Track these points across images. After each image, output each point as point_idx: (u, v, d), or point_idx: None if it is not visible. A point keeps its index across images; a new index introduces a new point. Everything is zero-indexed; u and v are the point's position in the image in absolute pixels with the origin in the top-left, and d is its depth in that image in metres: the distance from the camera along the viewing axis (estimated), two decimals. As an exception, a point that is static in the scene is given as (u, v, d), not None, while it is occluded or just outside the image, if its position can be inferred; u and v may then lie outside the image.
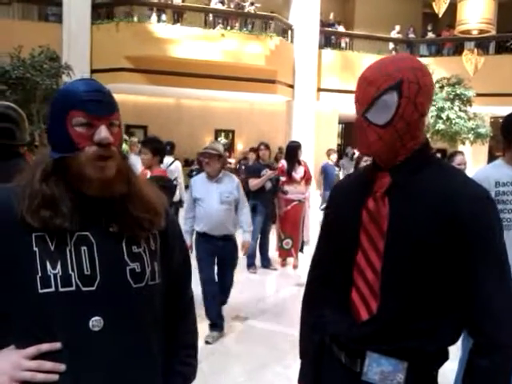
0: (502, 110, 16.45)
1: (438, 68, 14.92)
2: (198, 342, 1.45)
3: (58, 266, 1.11)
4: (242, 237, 4.78)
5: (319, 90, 16.66)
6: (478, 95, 14.09)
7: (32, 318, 1.10)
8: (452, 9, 14.01)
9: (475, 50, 14.82)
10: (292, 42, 16.26)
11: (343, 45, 17.60)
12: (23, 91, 9.03)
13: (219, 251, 4.52)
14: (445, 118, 13.28)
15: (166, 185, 3.97)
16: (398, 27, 18.34)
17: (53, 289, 1.10)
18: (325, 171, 10.15)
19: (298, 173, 6.85)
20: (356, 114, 1.33)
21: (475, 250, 1.22)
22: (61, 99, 1.18)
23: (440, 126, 13.34)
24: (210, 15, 15.12)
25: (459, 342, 3.39)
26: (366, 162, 9.90)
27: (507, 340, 1.22)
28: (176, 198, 6.34)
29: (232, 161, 16.26)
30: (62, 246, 1.13)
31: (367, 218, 1.34)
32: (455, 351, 3.56)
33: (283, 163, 7.00)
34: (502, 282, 1.23)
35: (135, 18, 14.20)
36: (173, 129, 16.50)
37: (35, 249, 1.11)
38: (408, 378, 1.28)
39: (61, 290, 1.10)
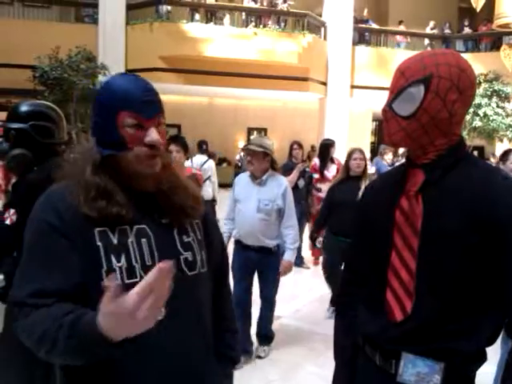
0: (543, 107, 15.99)
1: (474, 64, 14.58)
2: (237, 327, 1.54)
3: (123, 259, 1.16)
4: (285, 255, 3.95)
5: (352, 87, 16.50)
6: (517, 91, 13.71)
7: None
8: (490, 3, 13.66)
9: (514, 45, 14.42)
10: (325, 39, 16.14)
11: (381, 40, 17.33)
12: (61, 91, 9.25)
13: (255, 264, 3.89)
14: (482, 114, 12.98)
15: None
16: (432, 23, 17.96)
17: (119, 281, 1.10)
18: (378, 171, 9.98)
19: (331, 171, 6.80)
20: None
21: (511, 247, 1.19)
22: (110, 97, 1.19)
23: (477, 122, 13.05)
24: (243, 13, 15.15)
25: (497, 344, 3.32)
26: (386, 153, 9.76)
27: None
28: (209, 196, 6.37)
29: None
30: (125, 239, 1.17)
31: (400, 217, 1.33)
32: (492, 353, 3.49)
33: (316, 161, 6.96)
34: None
35: (169, 18, 14.34)
36: (205, 127, 16.64)
37: (99, 243, 1.15)
38: (445, 380, 1.26)
39: (126, 281, 1.14)
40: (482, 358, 1.31)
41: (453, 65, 1.26)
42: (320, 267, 6.95)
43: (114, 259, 1.15)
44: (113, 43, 14.04)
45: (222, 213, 4.30)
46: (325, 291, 5.48)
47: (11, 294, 1.16)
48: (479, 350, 1.29)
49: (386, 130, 1.33)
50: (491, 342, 1.30)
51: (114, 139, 1.18)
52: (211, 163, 6.97)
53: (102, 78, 10.03)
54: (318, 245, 6.83)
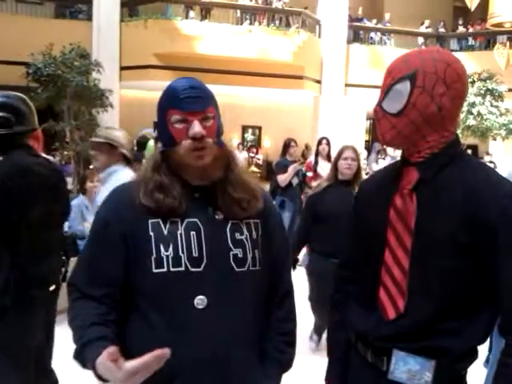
0: (536, 106, 16.06)
1: (468, 63, 14.63)
2: (295, 331, 1.50)
3: (170, 249, 1.25)
4: None
5: (347, 85, 16.51)
6: (510, 90, 13.77)
7: (144, 295, 1.28)
8: (484, 2, 13.71)
9: (507, 44, 14.47)
10: (320, 37, 16.14)
11: (377, 39, 17.36)
12: (54, 88, 9.18)
13: None
14: (476, 113, 13.02)
15: None
16: (427, 22, 18.01)
17: (165, 269, 1.24)
18: None
19: (325, 169, 6.80)
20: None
21: (504, 248, 1.19)
22: (163, 99, 1.32)
23: (471, 121, 13.09)
24: (238, 11, 15.13)
25: (491, 342, 3.33)
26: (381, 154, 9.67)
27: None
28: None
29: (260, 157, 16.26)
30: (174, 231, 1.27)
31: (394, 215, 1.33)
32: (484, 351, 3.50)
33: (311, 159, 6.97)
34: None
35: (163, 15, 14.30)
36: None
37: (151, 233, 1.27)
38: (436, 377, 1.27)
39: (172, 269, 1.25)
40: (473, 356, 1.31)
41: (438, 59, 1.26)
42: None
43: (162, 248, 1.25)
44: (107, 40, 13.98)
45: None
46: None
47: (70, 276, 1.38)
48: (471, 348, 1.29)
49: (378, 129, 1.34)
50: (483, 341, 1.31)
51: (165, 135, 1.30)
52: None
53: (95, 75, 9.98)
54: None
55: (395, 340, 1.30)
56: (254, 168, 15.71)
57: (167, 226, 1.28)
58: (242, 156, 15.87)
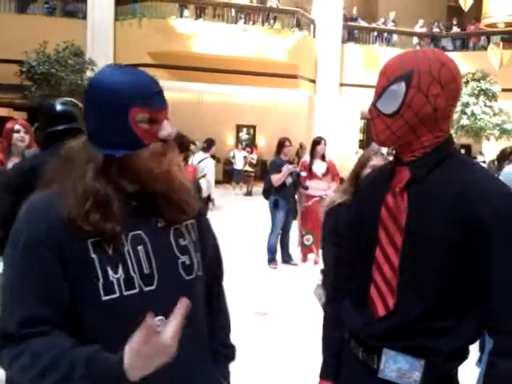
0: (529, 106, 16.15)
1: (463, 62, 14.69)
2: (230, 324, 1.51)
3: (120, 270, 1.09)
4: None
5: (341, 85, 16.56)
6: (504, 90, 13.84)
7: (95, 325, 1.08)
8: (478, 2, 13.76)
9: (501, 44, 14.54)
10: (314, 36, 16.17)
11: (369, 39, 17.41)
12: (48, 86, 9.15)
13: None
14: (469, 113, 13.10)
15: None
16: (421, 21, 18.09)
17: (117, 294, 1.08)
18: None
19: (320, 168, 6.82)
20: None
21: (495, 247, 1.19)
22: (116, 94, 1.08)
23: (465, 121, 13.16)
24: (233, 10, 15.12)
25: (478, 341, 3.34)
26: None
27: None
28: (204, 193, 6.39)
29: (254, 156, 16.28)
30: (120, 249, 1.10)
31: (385, 213, 1.34)
32: (476, 350, 3.52)
33: (306, 158, 6.98)
34: None
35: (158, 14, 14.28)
36: (194, 124, 16.57)
37: (93, 255, 1.07)
38: (425, 377, 1.27)
39: (125, 293, 1.08)
40: (463, 356, 1.31)
41: (432, 59, 1.26)
42: (307, 264, 6.98)
43: (110, 271, 1.07)
44: (101, 39, 13.96)
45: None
46: (312, 288, 5.50)
47: None
48: (461, 348, 1.30)
49: (373, 129, 1.34)
50: (473, 341, 1.31)
51: (127, 138, 1.08)
52: (209, 162, 6.96)
53: (89, 74, 9.95)
54: (307, 242, 6.86)
55: (385, 338, 1.31)
56: (248, 167, 15.69)
57: (111, 244, 1.08)
58: (241, 155, 15.88)
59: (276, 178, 6.59)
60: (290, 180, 6.60)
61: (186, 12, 14.84)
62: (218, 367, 1.40)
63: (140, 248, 1.13)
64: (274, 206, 6.71)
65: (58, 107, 2.50)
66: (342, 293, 1.52)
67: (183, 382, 1.21)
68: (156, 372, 1.06)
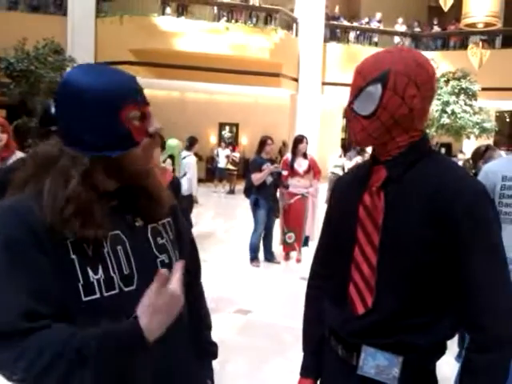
0: (508, 105, 16.43)
1: (443, 62, 14.86)
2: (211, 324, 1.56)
3: (100, 271, 1.08)
4: None
5: (324, 83, 16.62)
6: (484, 89, 14.03)
7: (76, 324, 1.05)
8: (458, 2, 13.92)
9: (480, 44, 14.73)
10: (297, 35, 16.20)
11: (351, 38, 17.48)
12: (27, 84, 9.03)
13: None
14: (450, 112, 13.24)
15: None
16: (400, 20, 18.24)
17: (97, 295, 1.07)
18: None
19: (302, 166, 6.83)
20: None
21: (469, 244, 1.21)
22: (105, 93, 1.06)
23: (445, 120, 13.30)
24: (215, 8, 15.08)
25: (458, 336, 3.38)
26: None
27: (505, 335, 1.20)
28: (184, 191, 6.34)
29: (237, 154, 16.27)
30: (100, 249, 1.09)
31: (363, 212, 1.34)
32: (454, 345, 3.56)
33: (288, 156, 6.97)
34: (499, 276, 1.22)
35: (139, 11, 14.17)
36: (176, 122, 16.50)
37: (73, 256, 1.05)
38: (404, 373, 1.28)
39: (105, 294, 1.08)
40: (441, 351, 1.33)
41: (408, 59, 1.25)
42: (290, 262, 7.00)
43: (90, 272, 1.06)
44: (82, 36, 13.81)
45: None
46: (294, 286, 5.52)
47: None
48: (438, 344, 1.31)
49: (350, 129, 1.34)
50: (450, 336, 1.32)
51: (121, 137, 1.07)
52: (190, 159, 6.91)
53: (70, 71, 9.84)
54: (289, 240, 6.86)
55: (364, 335, 1.32)
56: (230, 166, 15.67)
57: (91, 245, 1.07)
58: (224, 153, 15.85)
59: (256, 178, 6.57)
60: (270, 179, 6.58)
61: (168, 9, 14.76)
62: (204, 367, 1.42)
63: (119, 248, 1.12)
64: (255, 205, 6.71)
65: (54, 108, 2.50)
66: (320, 291, 1.53)
67: (169, 382, 1.21)
68: (143, 370, 1.09)
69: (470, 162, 4.19)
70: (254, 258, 6.80)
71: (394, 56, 1.27)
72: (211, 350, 1.51)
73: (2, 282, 1.02)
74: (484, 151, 4.06)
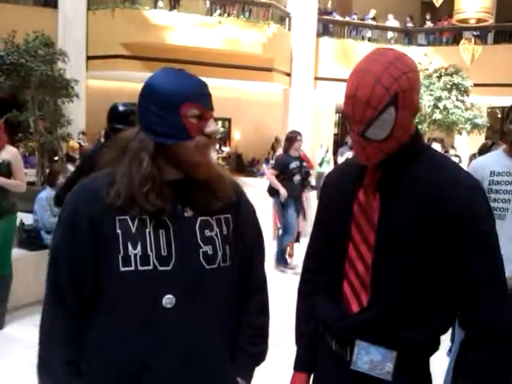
0: (499, 101, 16.49)
1: (436, 57, 14.89)
2: (268, 324, 1.50)
3: (139, 247, 1.22)
4: None
5: (316, 78, 16.61)
6: (476, 85, 14.07)
7: (111, 295, 1.24)
8: (451, -3, 13.94)
9: (472, 40, 14.77)
10: (290, 29, 16.17)
11: (344, 34, 17.48)
12: (17, 77, 8.92)
13: None
14: (442, 107, 13.26)
15: None
16: (391, 16, 18.26)
17: (132, 267, 1.21)
18: None
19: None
20: (350, 131, 1.28)
21: (465, 240, 1.21)
22: (173, 89, 1.24)
23: (437, 115, 13.33)
24: (207, 2, 15.00)
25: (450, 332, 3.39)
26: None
27: (499, 331, 1.20)
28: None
29: (226, 149, 16.24)
30: (143, 229, 1.24)
31: (358, 210, 1.33)
32: (447, 340, 3.57)
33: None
34: (493, 272, 1.22)
35: (132, 4, 14.07)
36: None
37: (118, 231, 1.23)
38: (397, 368, 1.28)
39: (140, 268, 1.21)
40: (435, 346, 1.33)
41: (406, 71, 1.23)
42: (287, 258, 6.99)
43: (130, 246, 1.22)
44: (73, 29, 13.70)
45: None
46: (287, 281, 5.52)
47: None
48: (432, 339, 1.31)
49: (363, 155, 1.28)
50: (444, 331, 1.32)
51: (177, 129, 1.24)
52: None
53: (60, 65, 9.74)
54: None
55: (358, 331, 1.31)
56: (220, 161, 15.64)
57: (135, 223, 1.24)
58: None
59: (268, 175, 6.32)
60: (298, 178, 6.23)
61: (161, 3, 14.67)
62: (237, 366, 1.39)
63: (161, 231, 1.25)
64: (283, 206, 6.27)
65: (120, 108, 3.12)
66: (313, 286, 1.53)
67: (194, 374, 1.26)
68: (169, 362, 1.23)
69: (477, 156, 4.23)
70: (285, 261, 6.60)
71: (392, 71, 1.21)
72: (249, 350, 1.42)
73: (59, 245, 1.29)
74: (490, 146, 4.10)
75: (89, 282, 1.26)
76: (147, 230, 1.24)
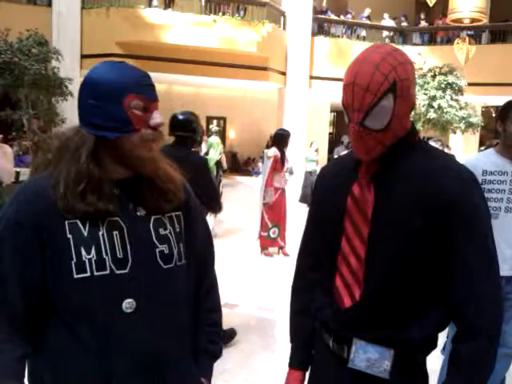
0: (494, 100, 16.56)
1: (430, 56, 14.92)
2: (221, 320, 1.51)
3: (93, 251, 1.16)
4: None
5: (311, 77, 16.60)
6: (470, 84, 14.12)
7: (67, 304, 1.16)
8: (445, -3, 13.97)
9: (467, 39, 14.81)
10: (284, 28, 16.15)
11: (338, 33, 17.48)
12: (11, 76, 8.88)
13: None
14: (436, 106, 13.28)
15: None
16: (386, 15, 18.29)
17: (88, 273, 1.14)
18: None
19: (288, 161, 6.89)
20: (349, 121, 1.27)
21: (459, 232, 1.20)
22: (114, 81, 1.18)
23: (432, 114, 13.35)
24: (202, 0, 14.96)
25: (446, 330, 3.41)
26: None
27: (489, 325, 1.20)
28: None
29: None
30: (95, 231, 1.17)
31: (352, 204, 1.33)
32: (442, 338, 3.58)
33: (277, 152, 6.83)
34: (486, 264, 1.22)
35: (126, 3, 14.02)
36: (163, 115, 16.26)
37: (69, 236, 1.15)
38: (395, 366, 1.27)
39: (96, 274, 1.15)
40: (432, 345, 1.32)
41: (403, 62, 1.24)
42: (277, 256, 6.99)
43: (83, 251, 1.15)
44: (67, 27, 13.63)
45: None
46: (281, 279, 5.52)
47: None
48: (429, 337, 1.30)
49: (361, 147, 1.27)
50: (441, 329, 1.32)
51: (120, 121, 1.17)
52: None
53: (54, 63, 9.70)
54: (273, 235, 6.81)
55: (353, 328, 1.31)
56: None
57: (87, 226, 1.16)
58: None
59: None
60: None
61: (155, 1, 14.61)
62: (200, 366, 1.39)
63: (115, 233, 1.18)
64: None
65: (180, 117, 3.52)
66: (308, 283, 1.52)
67: (158, 375, 1.23)
68: (128, 363, 1.16)
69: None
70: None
71: (390, 61, 1.22)
72: (210, 349, 1.44)
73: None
74: (494, 146, 4.16)
75: (38, 293, 1.18)
76: (100, 233, 1.17)
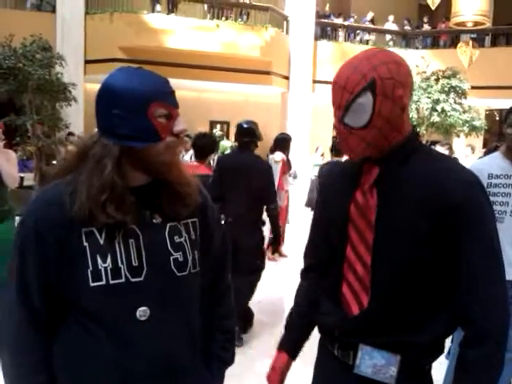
0: (497, 103, 16.51)
1: (433, 60, 14.90)
2: (235, 327, 1.51)
3: (109, 260, 1.16)
4: None
5: (315, 81, 16.60)
6: (473, 88, 14.08)
7: (83, 310, 1.18)
8: (448, 0, 13.96)
9: (470, 43, 14.79)
10: (287, 33, 16.16)
11: (341, 39, 17.49)
12: (15, 81, 8.92)
13: None
14: (440, 110, 13.25)
15: None
16: (391, 18, 18.28)
17: (103, 282, 1.15)
18: None
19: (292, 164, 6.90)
20: (334, 118, 1.30)
21: (465, 236, 1.20)
22: (137, 89, 1.16)
23: (435, 118, 13.32)
24: (205, 5, 15.01)
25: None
26: None
27: (496, 329, 1.20)
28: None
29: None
30: (111, 240, 1.17)
31: (355, 211, 1.32)
32: (447, 342, 3.55)
33: (283, 156, 6.91)
34: (491, 267, 1.21)
35: (129, 8, 14.07)
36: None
37: (85, 244, 1.16)
38: (401, 372, 1.26)
39: (111, 282, 1.16)
40: (438, 350, 1.32)
41: (388, 62, 1.25)
42: (283, 259, 6.98)
43: (99, 260, 1.16)
44: (71, 33, 13.68)
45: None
46: (286, 283, 5.50)
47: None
48: (435, 342, 1.29)
49: (345, 146, 1.30)
50: (447, 334, 1.31)
51: (146, 131, 1.16)
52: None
53: (58, 69, 9.73)
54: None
55: (361, 335, 1.30)
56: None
57: (103, 235, 1.17)
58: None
59: None
60: None
61: (158, 7, 14.66)
62: (213, 373, 1.39)
63: (131, 241, 1.19)
64: None
65: (244, 126, 4.30)
66: (313, 281, 1.52)
67: (172, 380, 1.24)
68: (142, 369, 1.17)
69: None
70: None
71: (372, 61, 1.24)
72: (222, 356, 1.44)
73: (20, 268, 1.19)
74: (494, 148, 4.15)
75: (57, 301, 1.20)
76: (116, 241, 1.18)
